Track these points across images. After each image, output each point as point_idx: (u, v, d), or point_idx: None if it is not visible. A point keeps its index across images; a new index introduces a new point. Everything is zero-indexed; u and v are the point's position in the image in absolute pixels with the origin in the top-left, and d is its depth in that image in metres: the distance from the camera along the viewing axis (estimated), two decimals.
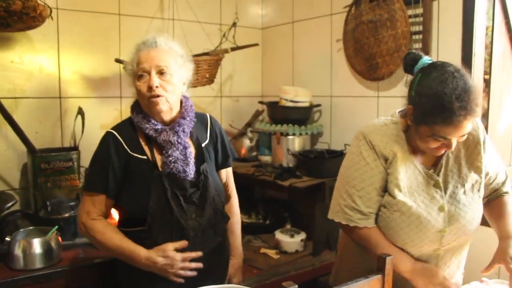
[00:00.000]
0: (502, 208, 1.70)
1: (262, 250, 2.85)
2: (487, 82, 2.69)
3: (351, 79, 3.02)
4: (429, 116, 1.43)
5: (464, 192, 1.61)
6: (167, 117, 1.73)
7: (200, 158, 1.79)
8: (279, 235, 2.87)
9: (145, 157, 1.72)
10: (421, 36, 2.60)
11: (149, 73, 1.66)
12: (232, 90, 3.64)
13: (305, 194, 2.72)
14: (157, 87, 1.65)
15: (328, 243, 2.87)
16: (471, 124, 1.44)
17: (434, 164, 1.64)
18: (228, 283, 1.93)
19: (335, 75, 3.16)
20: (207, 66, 2.74)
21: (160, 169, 1.71)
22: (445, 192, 1.59)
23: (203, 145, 1.82)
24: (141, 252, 1.66)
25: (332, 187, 2.71)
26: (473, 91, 1.42)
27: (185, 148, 1.72)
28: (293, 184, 2.72)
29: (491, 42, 2.55)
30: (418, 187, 1.58)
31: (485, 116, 2.61)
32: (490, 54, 2.64)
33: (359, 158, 1.61)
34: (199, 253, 1.71)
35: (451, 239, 1.59)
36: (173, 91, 1.70)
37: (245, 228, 3.05)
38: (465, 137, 1.50)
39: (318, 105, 3.20)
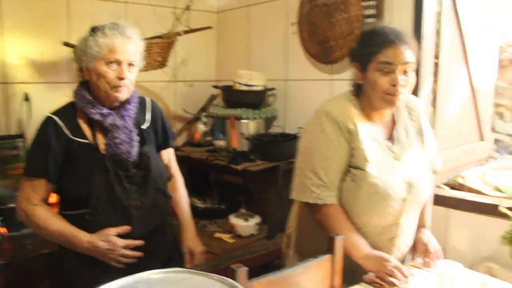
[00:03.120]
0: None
1: (217, 235, 2.84)
2: (436, 66, 2.74)
3: (305, 62, 3.02)
4: (368, 46, 1.59)
5: (418, 161, 1.72)
6: (117, 103, 1.76)
7: (141, 140, 1.82)
8: (233, 219, 2.87)
9: (86, 141, 1.74)
10: (373, 19, 2.62)
11: (120, 63, 1.70)
12: (186, 75, 3.57)
13: (259, 177, 2.72)
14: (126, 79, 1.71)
15: (283, 226, 2.88)
16: (409, 53, 1.57)
17: (388, 138, 1.72)
18: (191, 256, 1.96)
19: (290, 58, 3.16)
20: (159, 49, 2.69)
21: (102, 152, 1.73)
22: (404, 163, 1.68)
23: (143, 127, 1.86)
24: (83, 236, 1.68)
25: (286, 170, 2.76)
26: (405, 31, 1.61)
27: (130, 131, 1.76)
28: (247, 168, 2.72)
29: (440, 27, 2.60)
30: (381, 158, 1.66)
31: (434, 101, 2.66)
32: (440, 39, 2.69)
33: (322, 135, 1.65)
34: (141, 242, 1.73)
35: (411, 207, 1.68)
36: (134, 82, 1.77)
37: (200, 213, 3.05)
38: (409, 73, 1.59)
39: (273, 89, 3.19)
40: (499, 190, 2.67)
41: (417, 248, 1.79)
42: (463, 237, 2.32)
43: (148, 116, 1.90)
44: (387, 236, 1.70)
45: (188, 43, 3.42)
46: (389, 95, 1.59)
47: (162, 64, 2.83)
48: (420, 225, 1.84)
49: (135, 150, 1.76)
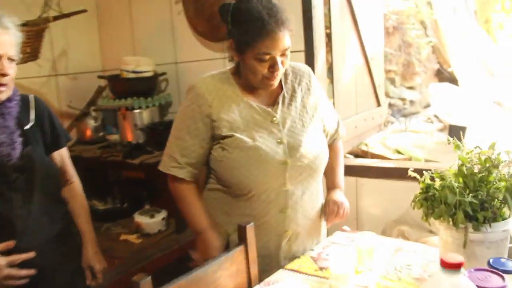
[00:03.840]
0: (333, 157, 1.82)
1: (122, 237, 2.64)
2: (329, 36, 2.73)
3: (195, 42, 2.89)
4: (247, 35, 1.51)
5: (303, 126, 1.68)
6: None
7: (24, 141, 1.63)
8: (138, 218, 2.67)
9: None
10: None
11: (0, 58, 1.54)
12: (68, 67, 3.25)
13: (159, 169, 2.55)
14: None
15: None
16: (287, 38, 1.54)
17: (272, 103, 1.69)
18: (91, 272, 1.80)
19: (178, 40, 3.01)
20: (26, 39, 2.37)
21: None
22: (284, 127, 1.65)
23: (27, 127, 1.67)
24: None
25: None
26: (279, 6, 1.54)
27: (11, 132, 1.60)
28: (144, 161, 2.57)
29: None
30: (256, 124, 1.63)
31: (330, 69, 2.66)
32: (329, 9, 2.68)
33: (181, 109, 1.69)
34: (30, 254, 1.56)
35: (296, 172, 1.62)
36: (14, 79, 1.61)
37: (102, 215, 2.83)
38: (287, 55, 1.57)
39: (163, 74, 3.03)
40: (399, 152, 2.75)
41: (330, 208, 1.74)
42: (374, 203, 2.35)
43: (32, 114, 1.71)
44: (277, 207, 1.64)
45: (65, 31, 3.12)
46: (268, 79, 1.59)
47: (34, 56, 2.52)
48: (333, 186, 1.83)
49: (17, 152, 1.58)
